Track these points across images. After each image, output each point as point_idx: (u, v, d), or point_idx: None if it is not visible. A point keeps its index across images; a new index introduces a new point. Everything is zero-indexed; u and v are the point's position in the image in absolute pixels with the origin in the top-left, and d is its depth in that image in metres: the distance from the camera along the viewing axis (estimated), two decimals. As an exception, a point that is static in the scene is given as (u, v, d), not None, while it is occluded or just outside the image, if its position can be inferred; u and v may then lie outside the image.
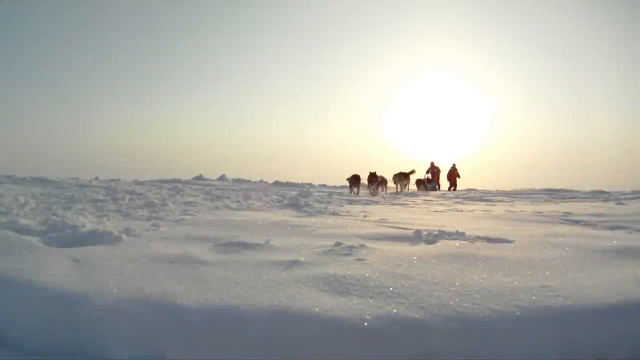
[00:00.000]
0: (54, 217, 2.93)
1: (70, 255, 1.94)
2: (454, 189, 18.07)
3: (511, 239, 2.58)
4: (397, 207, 5.98)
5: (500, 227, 3.39)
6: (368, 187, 13.44)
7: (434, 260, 1.95)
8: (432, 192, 15.00)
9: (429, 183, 17.77)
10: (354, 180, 13.30)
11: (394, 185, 14.47)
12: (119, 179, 10.68)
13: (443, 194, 12.98)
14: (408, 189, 14.62)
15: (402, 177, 14.40)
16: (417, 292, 1.48)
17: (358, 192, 13.04)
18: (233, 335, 1.28)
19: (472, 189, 15.40)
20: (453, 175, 18.94)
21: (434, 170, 18.73)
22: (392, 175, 14.44)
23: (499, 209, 5.78)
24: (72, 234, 2.43)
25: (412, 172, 14.83)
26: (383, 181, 13.93)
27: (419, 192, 14.61)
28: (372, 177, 13.37)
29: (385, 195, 12.12)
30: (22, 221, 2.74)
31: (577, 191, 11.13)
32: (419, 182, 15.76)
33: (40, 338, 1.43)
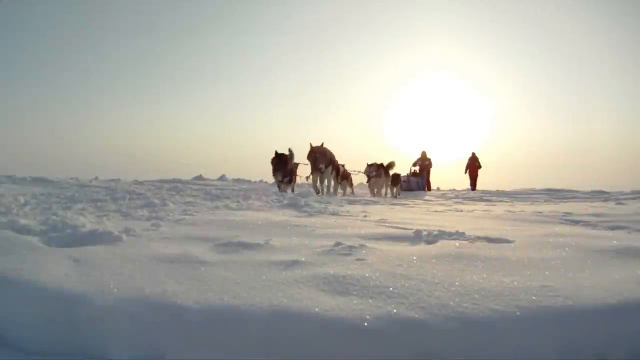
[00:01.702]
0: (54, 217, 2.93)
1: (70, 255, 1.94)
2: (474, 187, 14.71)
3: (511, 239, 2.58)
4: (397, 207, 5.98)
5: (500, 227, 3.39)
6: (312, 177, 7.97)
7: (434, 260, 1.95)
8: (422, 193, 12.04)
9: (415, 177, 13.59)
10: (279, 166, 7.56)
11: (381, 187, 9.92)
12: (119, 179, 10.68)
13: (443, 194, 12.43)
14: (386, 193, 10.20)
15: (379, 172, 9.43)
16: (417, 292, 1.47)
17: (293, 188, 8.01)
18: (233, 335, 1.28)
19: (472, 189, 15.37)
20: (474, 168, 15.23)
21: (424, 162, 14.32)
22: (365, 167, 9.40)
23: (499, 209, 5.78)
24: (72, 234, 2.42)
25: (392, 165, 10.28)
26: (345, 175, 9.68)
27: (398, 194, 10.58)
28: (315, 155, 7.62)
29: (343, 196, 8.23)
30: (22, 221, 2.74)
31: (577, 191, 11.14)
32: (394, 180, 10.60)
33: (40, 338, 1.43)
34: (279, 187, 7.80)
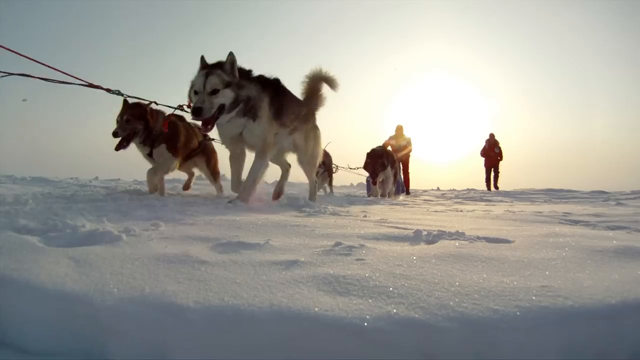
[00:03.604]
0: (54, 217, 2.92)
1: (70, 255, 1.94)
2: (495, 183, 11.61)
3: (511, 239, 2.58)
4: (397, 207, 5.99)
5: (500, 227, 3.39)
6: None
7: (433, 260, 1.95)
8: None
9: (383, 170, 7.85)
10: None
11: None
12: (119, 179, 10.67)
13: (443, 194, 12.10)
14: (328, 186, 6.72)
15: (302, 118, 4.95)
16: (417, 292, 1.47)
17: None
18: (233, 335, 1.28)
19: (472, 189, 15.37)
20: (493, 156, 11.58)
21: (399, 144, 8.93)
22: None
23: (499, 209, 5.78)
24: (72, 233, 2.42)
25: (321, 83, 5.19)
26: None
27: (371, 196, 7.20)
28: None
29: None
30: (22, 221, 2.73)
31: (577, 191, 11.15)
32: (374, 161, 7.33)
33: (40, 338, 1.43)
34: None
